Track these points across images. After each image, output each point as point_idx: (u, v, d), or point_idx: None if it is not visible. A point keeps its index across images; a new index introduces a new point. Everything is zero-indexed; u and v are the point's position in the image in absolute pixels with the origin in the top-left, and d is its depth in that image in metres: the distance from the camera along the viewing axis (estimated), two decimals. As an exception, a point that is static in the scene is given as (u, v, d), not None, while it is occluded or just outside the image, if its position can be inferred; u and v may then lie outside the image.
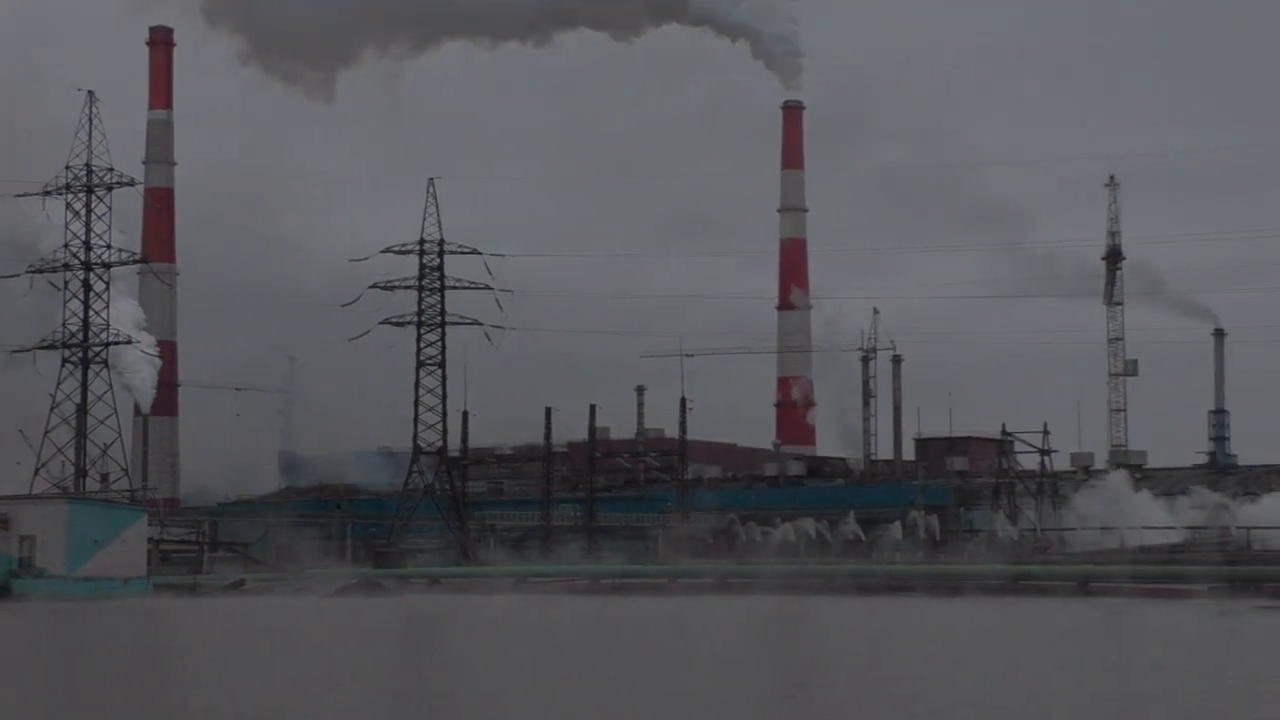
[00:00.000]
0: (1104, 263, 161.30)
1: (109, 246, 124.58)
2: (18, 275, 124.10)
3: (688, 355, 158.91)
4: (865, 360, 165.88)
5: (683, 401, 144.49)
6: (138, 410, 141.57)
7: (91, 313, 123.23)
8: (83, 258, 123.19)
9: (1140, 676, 45.39)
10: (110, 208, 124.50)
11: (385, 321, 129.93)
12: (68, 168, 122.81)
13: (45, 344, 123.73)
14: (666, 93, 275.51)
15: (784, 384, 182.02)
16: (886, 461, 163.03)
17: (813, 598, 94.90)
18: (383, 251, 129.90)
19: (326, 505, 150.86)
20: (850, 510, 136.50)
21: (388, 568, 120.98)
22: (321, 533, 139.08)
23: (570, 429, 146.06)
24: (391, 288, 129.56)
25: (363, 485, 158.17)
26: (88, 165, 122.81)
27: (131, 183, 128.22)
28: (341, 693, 40.84)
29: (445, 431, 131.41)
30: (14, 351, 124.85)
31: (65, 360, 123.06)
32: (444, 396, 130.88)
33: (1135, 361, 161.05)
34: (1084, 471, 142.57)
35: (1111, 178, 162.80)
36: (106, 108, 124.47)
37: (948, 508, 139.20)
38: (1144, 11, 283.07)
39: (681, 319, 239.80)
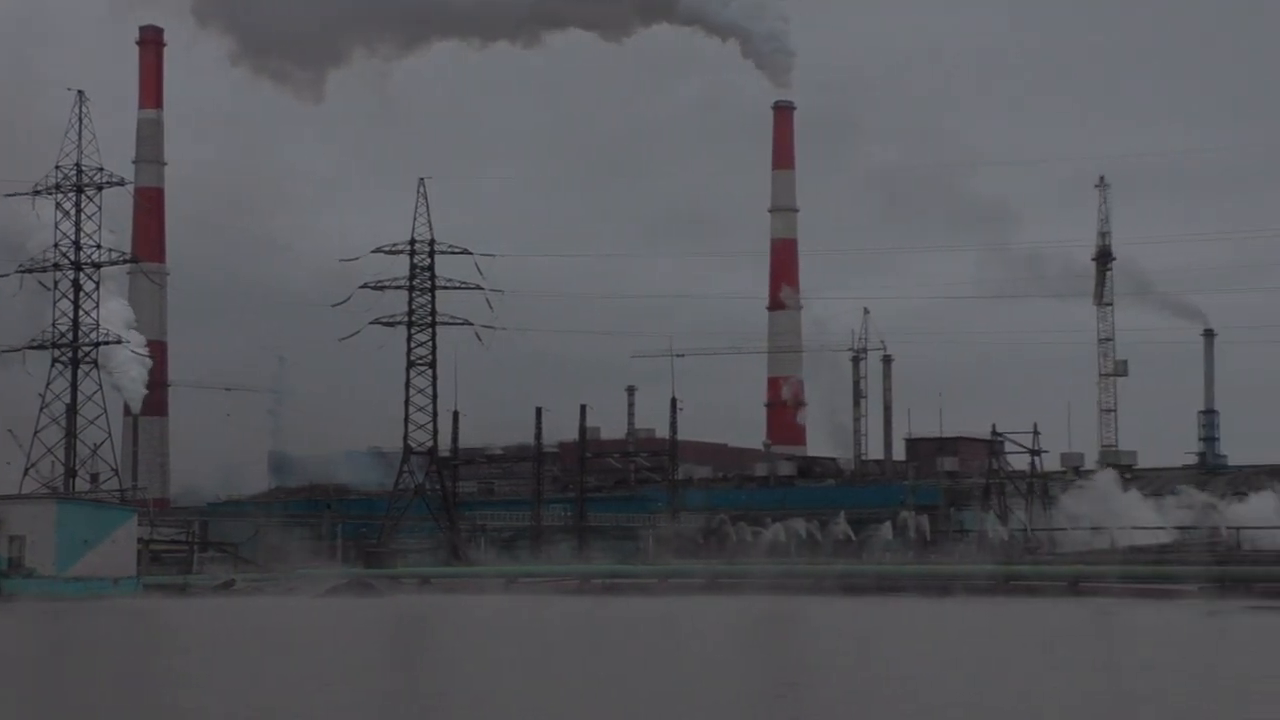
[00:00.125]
0: (1094, 263, 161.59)
1: (99, 246, 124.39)
2: (7, 275, 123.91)
3: (678, 355, 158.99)
4: (856, 360, 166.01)
5: (673, 402, 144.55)
6: (128, 410, 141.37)
7: (81, 313, 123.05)
8: (72, 257, 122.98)
9: (1130, 677, 45.45)
10: (100, 207, 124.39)
11: (376, 321, 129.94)
12: (58, 167, 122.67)
13: (35, 344, 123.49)
14: (657, 93, 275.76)
15: (774, 384, 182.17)
16: (877, 462, 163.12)
17: (803, 598, 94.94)
18: (373, 251, 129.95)
19: (317, 505, 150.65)
20: (841, 510, 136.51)
21: (378, 568, 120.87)
22: (312, 533, 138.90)
23: (561, 429, 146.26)
24: (382, 288, 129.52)
25: (353, 485, 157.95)
26: (78, 165, 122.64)
27: (122, 182, 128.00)
28: (332, 693, 40.82)
29: (436, 431, 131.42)
30: (3, 351, 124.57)
31: (55, 360, 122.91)
32: (434, 396, 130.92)
33: (1125, 362, 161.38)
34: (1074, 472, 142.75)
35: (1101, 178, 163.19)
36: (97, 107, 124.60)
37: (938, 508, 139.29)
38: (1143, 11, 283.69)
39: (672, 319, 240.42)
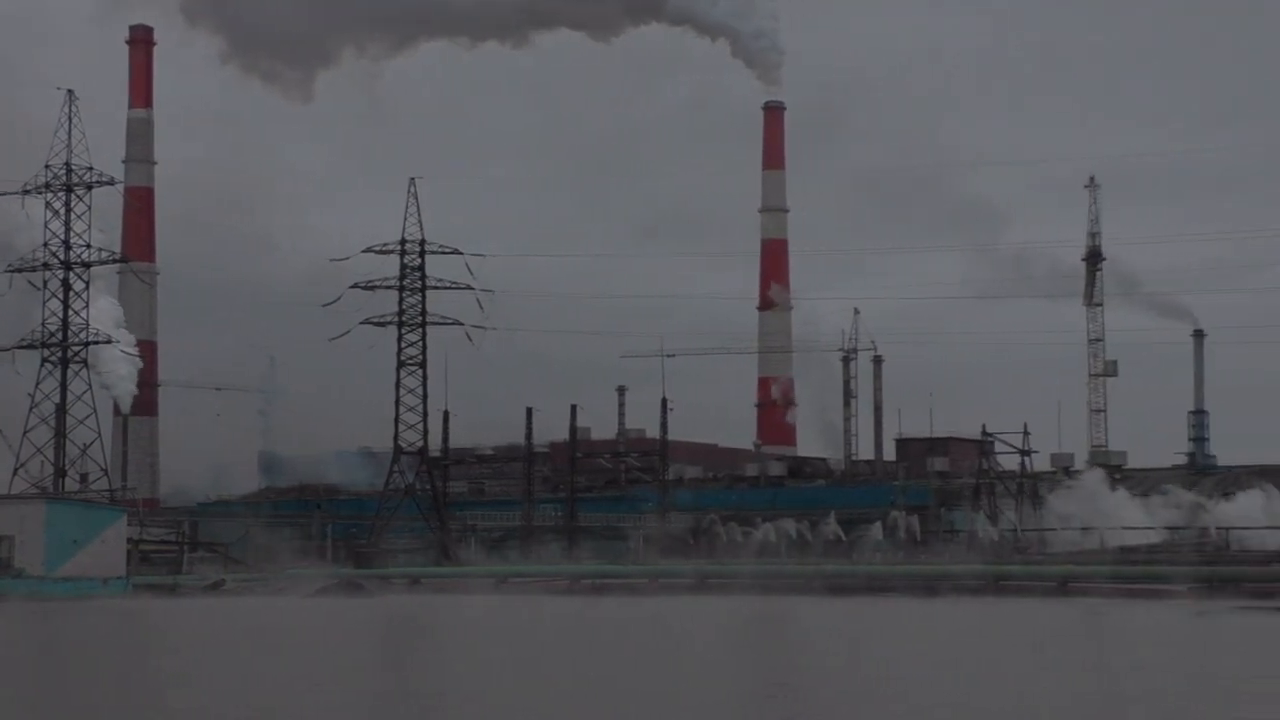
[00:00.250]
0: (1084, 264, 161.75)
1: (88, 246, 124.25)
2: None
3: (669, 355, 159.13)
4: (846, 360, 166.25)
5: (664, 402, 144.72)
6: (117, 410, 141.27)
7: (71, 312, 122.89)
8: (62, 257, 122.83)
9: (1120, 677, 45.48)
10: (90, 207, 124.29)
11: (366, 321, 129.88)
12: (47, 166, 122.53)
13: (24, 343, 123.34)
14: (647, 92, 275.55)
15: (765, 384, 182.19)
16: (867, 462, 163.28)
17: (793, 598, 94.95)
18: (364, 251, 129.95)
19: (307, 505, 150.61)
20: (831, 510, 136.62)
21: (368, 568, 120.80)
22: (301, 533, 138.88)
23: (551, 429, 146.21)
24: (372, 288, 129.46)
25: (343, 485, 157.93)
26: (67, 164, 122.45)
27: (111, 182, 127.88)
28: (323, 693, 40.77)
29: (426, 431, 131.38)
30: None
31: (44, 360, 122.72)
32: (425, 396, 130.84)
33: (1115, 362, 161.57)
34: (1064, 472, 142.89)
35: (1091, 179, 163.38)
36: (86, 106, 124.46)
37: (928, 508, 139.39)
38: (1143, 11, 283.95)
39: (662, 319, 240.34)
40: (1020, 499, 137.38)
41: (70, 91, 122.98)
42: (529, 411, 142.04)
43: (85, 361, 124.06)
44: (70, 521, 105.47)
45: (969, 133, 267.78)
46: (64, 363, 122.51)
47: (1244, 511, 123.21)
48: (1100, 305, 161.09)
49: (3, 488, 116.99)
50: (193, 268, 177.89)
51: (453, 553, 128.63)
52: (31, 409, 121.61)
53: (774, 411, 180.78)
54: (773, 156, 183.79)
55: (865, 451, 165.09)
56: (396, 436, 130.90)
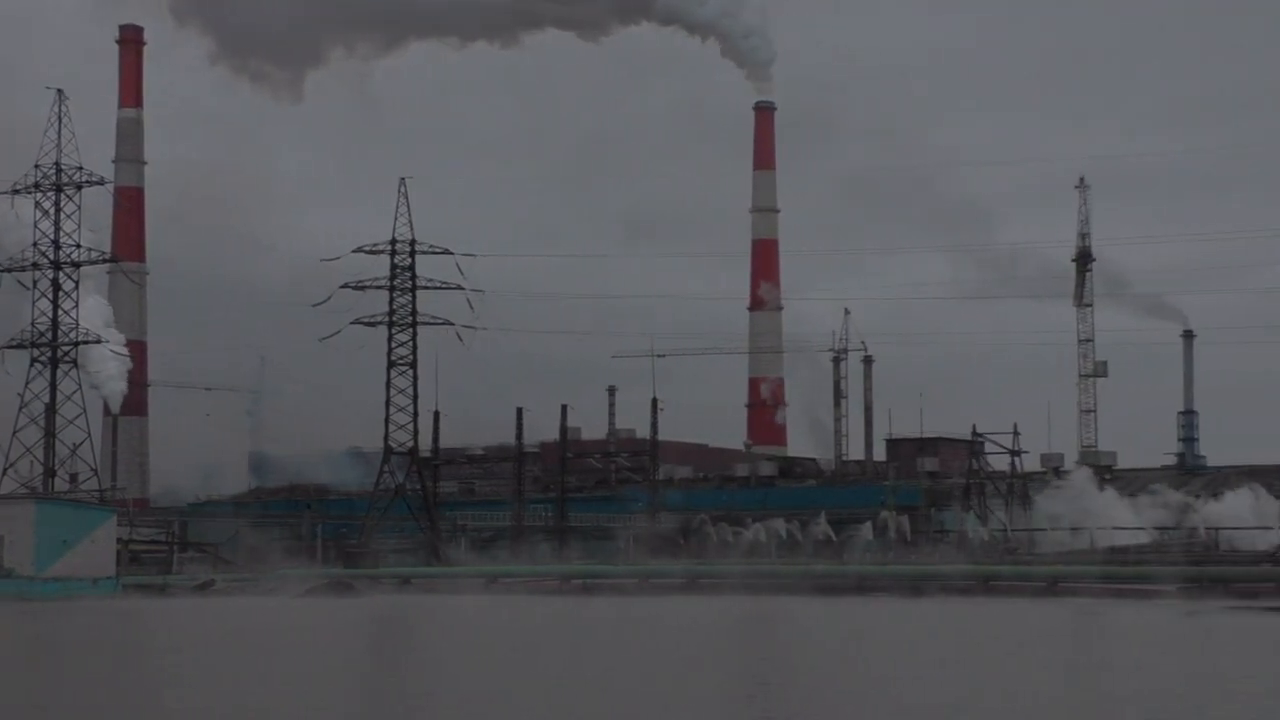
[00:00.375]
0: (1074, 264, 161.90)
1: (78, 245, 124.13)
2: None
3: (659, 356, 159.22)
4: (836, 361, 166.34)
5: (654, 402, 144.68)
6: (107, 410, 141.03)
7: (60, 312, 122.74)
8: (52, 256, 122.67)
9: (1109, 677, 45.55)
10: (80, 206, 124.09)
11: (356, 321, 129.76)
12: (37, 166, 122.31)
13: (14, 343, 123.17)
14: (636, 92, 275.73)
15: (755, 384, 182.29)
16: (858, 462, 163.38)
17: (783, 598, 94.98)
18: (354, 251, 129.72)
19: (296, 505, 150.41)
20: (821, 511, 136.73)
21: (358, 568, 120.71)
22: (291, 533, 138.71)
23: (541, 429, 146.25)
24: (363, 287, 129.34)
25: (333, 485, 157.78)
26: (57, 164, 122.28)
27: (101, 181, 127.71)
28: (314, 693, 40.77)
29: (416, 431, 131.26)
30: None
31: (34, 360, 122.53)
32: (415, 396, 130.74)
33: (1105, 363, 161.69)
34: (1054, 473, 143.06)
35: (1081, 179, 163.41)
36: (76, 106, 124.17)
37: (918, 508, 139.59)
38: (1142, 11, 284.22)
39: (652, 319, 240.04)
40: (1010, 499, 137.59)
41: (60, 91, 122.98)
42: (519, 411, 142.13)
43: (75, 361, 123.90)
44: (60, 521, 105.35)
45: (959, 133, 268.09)
46: (53, 363, 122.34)
47: (1233, 512, 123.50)
48: (1090, 306, 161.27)
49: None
50: (183, 268, 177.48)
51: (443, 553, 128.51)
52: (21, 409, 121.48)
53: (764, 411, 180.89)
54: (763, 156, 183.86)
55: (855, 452, 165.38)
56: (386, 436, 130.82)
